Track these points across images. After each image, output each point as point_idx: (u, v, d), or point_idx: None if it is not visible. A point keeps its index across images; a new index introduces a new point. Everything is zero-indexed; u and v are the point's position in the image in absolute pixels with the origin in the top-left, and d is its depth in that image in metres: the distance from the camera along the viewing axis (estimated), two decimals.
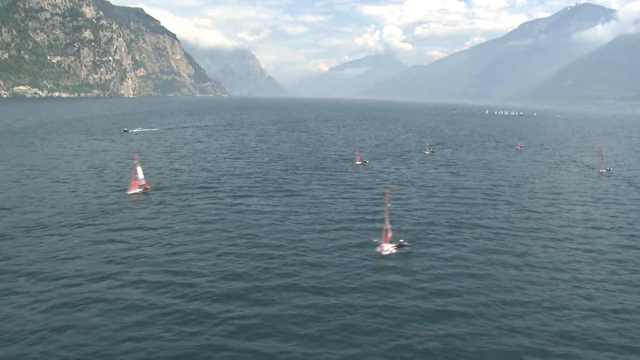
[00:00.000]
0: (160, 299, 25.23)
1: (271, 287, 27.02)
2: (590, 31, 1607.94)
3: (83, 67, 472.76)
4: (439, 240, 36.44)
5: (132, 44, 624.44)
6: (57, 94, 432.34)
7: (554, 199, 53.04)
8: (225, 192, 50.98)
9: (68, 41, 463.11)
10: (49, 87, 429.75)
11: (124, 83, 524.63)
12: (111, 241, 34.15)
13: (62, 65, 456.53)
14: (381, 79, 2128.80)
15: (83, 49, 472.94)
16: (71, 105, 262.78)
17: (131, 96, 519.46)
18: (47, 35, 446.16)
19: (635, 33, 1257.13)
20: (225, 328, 22.53)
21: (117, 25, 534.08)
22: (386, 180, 60.83)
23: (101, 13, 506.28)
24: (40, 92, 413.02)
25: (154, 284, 27.03)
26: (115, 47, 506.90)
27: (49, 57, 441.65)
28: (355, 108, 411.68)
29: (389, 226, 32.93)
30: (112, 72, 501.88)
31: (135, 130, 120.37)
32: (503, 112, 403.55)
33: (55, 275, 27.99)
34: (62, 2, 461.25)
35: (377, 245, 33.42)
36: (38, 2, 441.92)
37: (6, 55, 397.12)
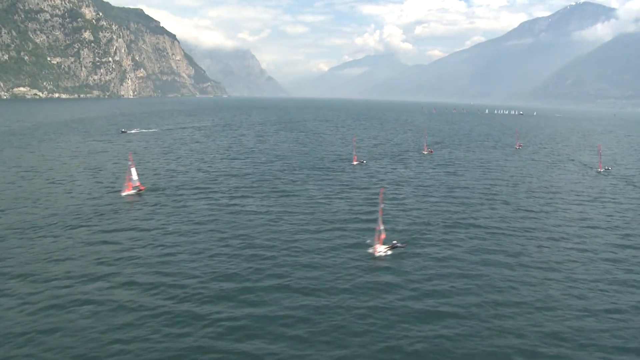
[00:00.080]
0: (150, 301, 25.11)
1: (262, 288, 26.89)
2: (591, 30, 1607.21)
3: (83, 68, 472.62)
4: (434, 241, 36.28)
5: (132, 45, 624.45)
6: (57, 95, 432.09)
7: (550, 198, 52.87)
8: (221, 192, 50.87)
9: (68, 42, 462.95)
10: (48, 88, 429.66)
11: (124, 84, 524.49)
12: (103, 242, 34.04)
13: (62, 66, 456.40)
14: (381, 79, 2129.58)
15: (83, 50, 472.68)
16: (71, 107, 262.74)
17: (131, 97, 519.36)
18: (47, 37, 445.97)
19: (635, 32, 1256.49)
20: (214, 329, 22.40)
21: (116, 26, 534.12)
22: (382, 180, 60.69)
23: (101, 14, 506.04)
24: (40, 93, 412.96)
25: (144, 286, 26.90)
26: (115, 47, 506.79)
27: (48, 58, 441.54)
28: (355, 108, 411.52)
29: (382, 227, 32.76)
30: (112, 73, 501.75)
31: (133, 131, 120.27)
32: (503, 112, 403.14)
33: (46, 277, 27.87)
34: (61, 3, 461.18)
35: (370, 246, 33.25)
36: (38, 4, 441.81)
37: (6, 57, 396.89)
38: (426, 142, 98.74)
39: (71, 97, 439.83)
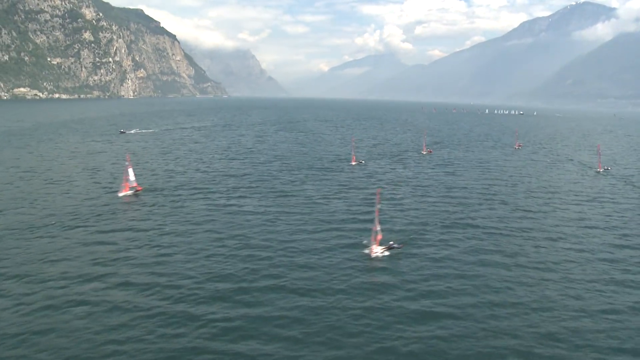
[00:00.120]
0: (145, 301, 25.05)
1: (258, 288, 26.83)
2: (591, 30, 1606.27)
3: (83, 69, 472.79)
4: (431, 241, 36.19)
5: (132, 45, 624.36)
6: (57, 95, 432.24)
7: (549, 199, 52.78)
8: (219, 193, 50.81)
9: (68, 43, 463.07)
10: (49, 88, 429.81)
11: (124, 84, 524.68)
12: (100, 243, 33.99)
13: (62, 66, 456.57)
14: (382, 79, 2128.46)
15: (83, 50, 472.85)
16: (70, 107, 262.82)
17: (131, 97, 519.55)
18: (47, 37, 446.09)
19: (635, 31, 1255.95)
20: (208, 330, 22.35)
21: (117, 27, 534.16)
22: (381, 180, 60.61)
23: (101, 14, 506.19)
24: (40, 94, 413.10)
25: (140, 286, 26.85)
26: (115, 48, 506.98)
27: (49, 59, 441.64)
28: (355, 108, 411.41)
29: (378, 228, 32.66)
30: (112, 74, 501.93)
31: (132, 132, 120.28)
32: (503, 112, 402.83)
33: (42, 277, 27.82)
34: (61, 4, 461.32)
35: (367, 246, 33.16)
36: (38, 4, 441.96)
37: (6, 57, 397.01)
38: (425, 142, 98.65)
39: (71, 97, 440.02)
